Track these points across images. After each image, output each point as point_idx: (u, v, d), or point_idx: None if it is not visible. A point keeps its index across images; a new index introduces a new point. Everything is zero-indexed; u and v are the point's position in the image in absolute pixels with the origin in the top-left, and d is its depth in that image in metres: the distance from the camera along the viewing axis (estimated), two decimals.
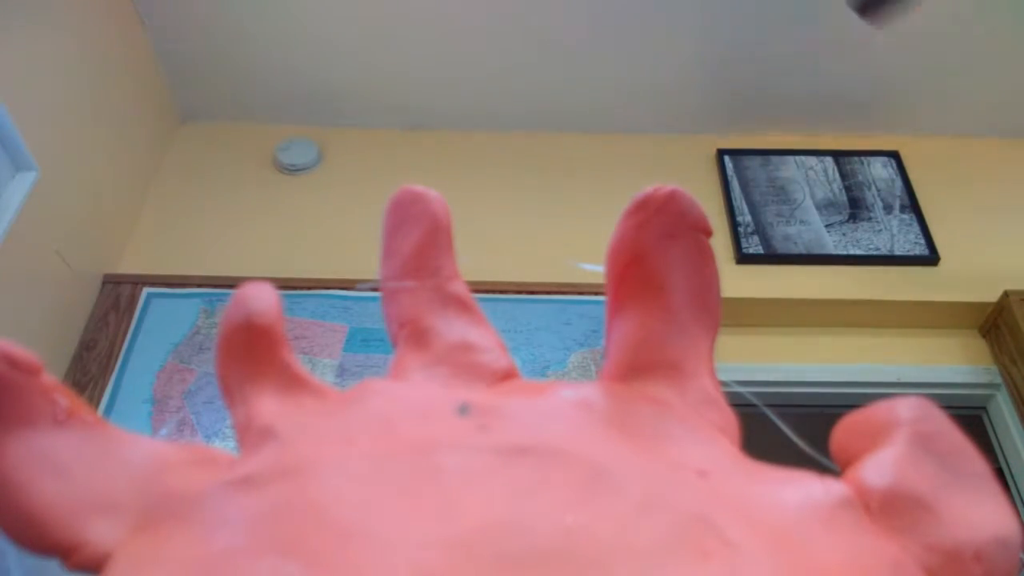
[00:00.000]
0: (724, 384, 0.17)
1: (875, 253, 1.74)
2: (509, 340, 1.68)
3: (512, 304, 1.64)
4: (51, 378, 0.15)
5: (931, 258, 1.73)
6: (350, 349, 1.58)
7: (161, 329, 1.60)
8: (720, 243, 1.76)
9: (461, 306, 0.18)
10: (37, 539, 0.13)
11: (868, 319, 1.71)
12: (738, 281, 1.69)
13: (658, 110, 1.96)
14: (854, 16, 1.71)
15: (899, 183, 1.87)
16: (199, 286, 1.66)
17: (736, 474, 0.14)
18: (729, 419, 0.16)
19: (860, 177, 1.88)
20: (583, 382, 0.16)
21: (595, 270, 0.19)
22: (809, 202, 1.84)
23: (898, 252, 1.74)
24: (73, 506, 0.14)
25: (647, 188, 0.16)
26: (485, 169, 1.91)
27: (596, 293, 1.63)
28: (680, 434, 0.15)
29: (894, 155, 1.91)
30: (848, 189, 1.86)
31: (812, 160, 1.91)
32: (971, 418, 1.70)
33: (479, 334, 0.18)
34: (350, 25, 1.82)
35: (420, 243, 0.19)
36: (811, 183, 1.87)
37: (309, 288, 1.64)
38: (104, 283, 1.66)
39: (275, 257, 1.75)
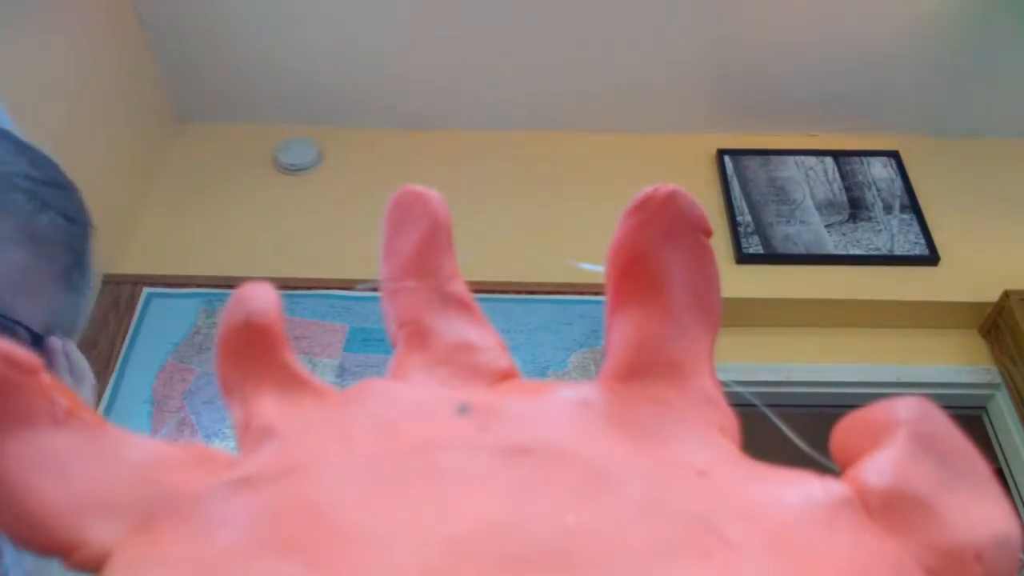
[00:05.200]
0: (724, 384, 0.17)
1: (875, 253, 1.74)
2: (509, 340, 1.67)
3: (512, 304, 1.64)
4: (51, 378, 0.15)
5: (931, 258, 1.73)
6: (350, 349, 1.59)
7: (161, 329, 1.60)
8: (720, 243, 1.76)
9: (461, 306, 0.18)
10: (36, 539, 0.13)
11: (868, 319, 1.71)
12: (738, 281, 1.69)
13: (658, 110, 1.96)
14: (854, 16, 1.71)
15: (899, 183, 1.87)
16: (199, 286, 1.66)
17: (736, 474, 0.14)
18: (729, 419, 0.16)
19: (860, 177, 1.88)
20: (583, 382, 0.16)
21: (595, 270, 0.19)
22: (809, 202, 1.84)
23: (898, 252, 1.74)
24: (72, 506, 0.14)
25: (647, 188, 0.16)
26: (485, 169, 1.91)
27: (596, 293, 1.63)
28: (680, 434, 0.15)
29: (894, 155, 1.91)
30: (848, 189, 1.86)
31: (812, 160, 1.91)
32: (971, 418, 1.70)
33: (479, 334, 0.18)
34: (350, 25, 1.82)
35: (420, 243, 0.19)
36: (811, 183, 1.87)
37: (309, 288, 1.64)
38: (104, 283, 1.66)
39: (275, 257, 1.75)
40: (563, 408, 0.15)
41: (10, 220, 0.47)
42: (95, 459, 0.14)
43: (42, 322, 0.49)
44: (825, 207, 1.83)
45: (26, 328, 0.47)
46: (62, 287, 0.51)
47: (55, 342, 0.50)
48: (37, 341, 0.48)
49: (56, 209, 0.51)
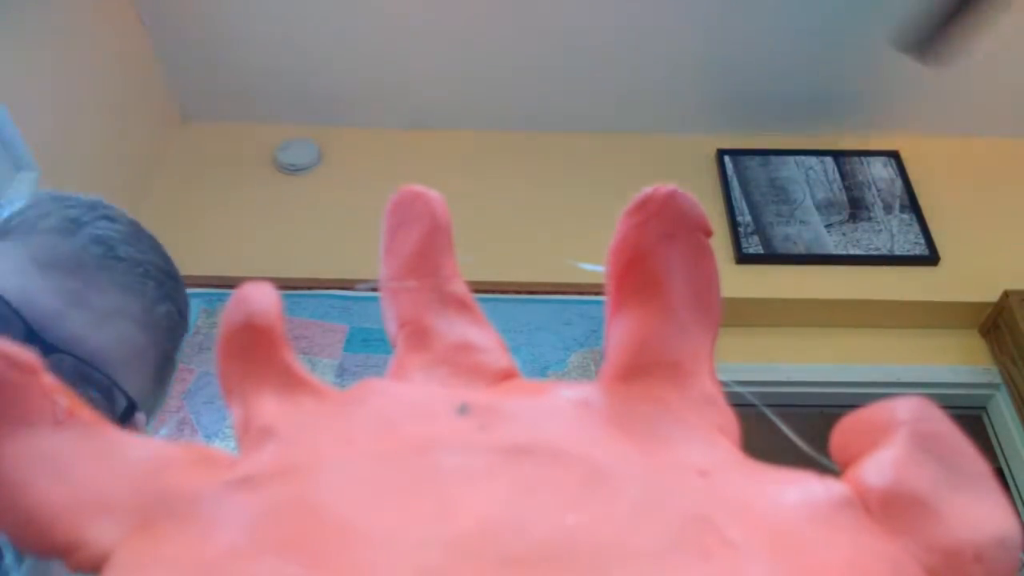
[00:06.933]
0: (724, 384, 0.17)
1: (875, 253, 1.74)
2: (509, 340, 1.67)
3: (512, 304, 1.64)
4: (51, 378, 0.15)
5: (931, 258, 1.73)
6: (350, 349, 1.59)
7: None
8: (720, 243, 1.76)
9: (461, 306, 0.18)
10: (37, 539, 0.13)
11: (868, 319, 1.71)
12: (738, 281, 1.69)
13: (658, 110, 1.96)
14: (853, 16, 1.71)
15: (899, 183, 1.87)
16: (199, 286, 1.66)
17: (736, 474, 0.14)
18: (729, 419, 0.16)
19: (860, 177, 1.88)
20: (583, 382, 0.16)
21: (595, 270, 0.19)
22: (809, 202, 1.84)
23: (898, 252, 1.74)
24: (73, 506, 0.14)
25: (647, 188, 0.16)
26: (485, 169, 1.91)
27: (596, 293, 1.63)
28: (680, 434, 0.15)
29: (894, 155, 1.91)
30: (848, 189, 1.86)
31: (812, 160, 1.91)
32: (971, 418, 1.70)
33: (479, 334, 0.18)
34: (350, 25, 1.82)
35: (420, 243, 0.19)
36: (811, 183, 1.87)
37: (309, 288, 1.64)
38: None
39: (275, 257, 1.75)
40: (563, 408, 0.15)
41: (139, 302, 0.52)
42: (95, 459, 0.14)
43: (135, 398, 0.52)
44: (825, 207, 1.83)
45: (125, 395, 0.51)
46: (155, 373, 0.55)
47: (140, 418, 0.54)
48: (131, 410, 0.52)
49: (174, 302, 0.56)
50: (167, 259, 0.57)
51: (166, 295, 0.54)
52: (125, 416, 0.51)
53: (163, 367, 0.56)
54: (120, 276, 0.51)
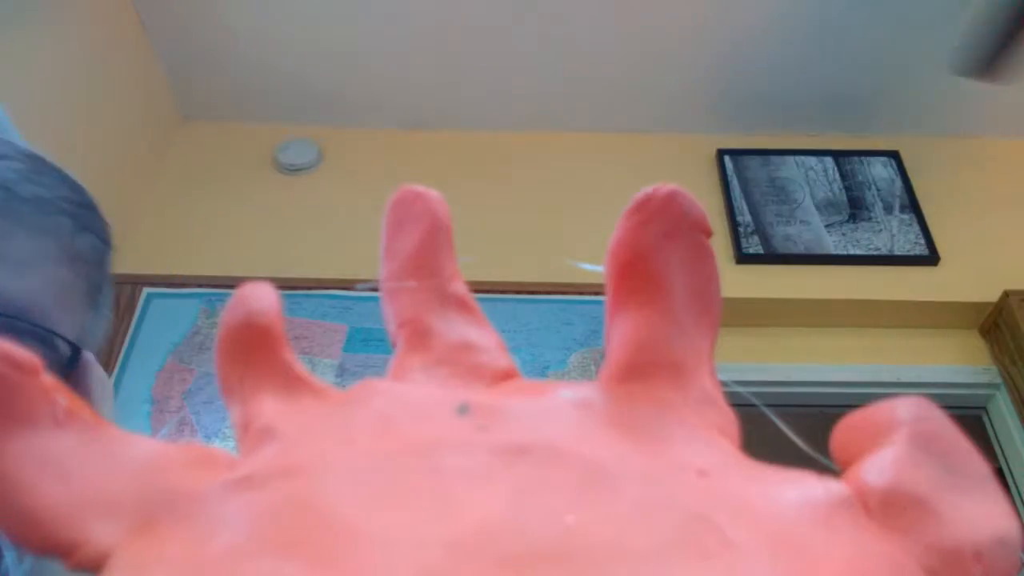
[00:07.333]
0: (724, 384, 0.17)
1: (875, 253, 1.74)
2: (509, 340, 1.67)
3: (512, 304, 1.64)
4: (51, 378, 0.15)
5: (931, 258, 1.73)
6: (350, 349, 1.58)
7: (161, 329, 1.60)
8: (720, 243, 1.76)
9: (461, 306, 0.18)
10: (37, 539, 0.14)
11: (868, 319, 1.71)
12: (738, 281, 1.69)
13: (658, 110, 1.96)
14: (854, 16, 1.71)
15: (899, 183, 1.87)
16: (199, 286, 1.66)
17: (736, 474, 0.14)
18: (729, 419, 0.16)
19: (860, 177, 1.88)
20: (583, 382, 0.16)
21: (595, 270, 0.19)
22: (809, 202, 1.84)
23: (898, 252, 1.74)
24: (73, 506, 0.14)
25: (647, 188, 0.16)
26: (485, 169, 1.91)
27: (596, 293, 1.63)
28: (680, 434, 0.15)
29: (894, 155, 1.91)
30: (848, 189, 1.86)
31: (812, 160, 1.91)
32: (971, 418, 1.70)
33: (479, 334, 0.18)
34: (350, 26, 1.82)
35: (420, 243, 0.19)
36: (811, 183, 1.87)
37: (309, 288, 1.64)
38: None
39: (275, 257, 1.75)
40: (563, 408, 0.15)
41: (54, 241, 0.49)
42: (95, 459, 0.14)
43: (75, 337, 0.50)
44: (825, 207, 1.83)
45: (66, 341, 0.49)
46: (90, 305, 0.53)
47: (88, 356, 0.52)
48: (76, 354, 0.49)
49: (94, 231, 0.53)
50: (77, 188, 0.53)
51: (83, 227, 0.51)
52: (72, 361, 0.49)
53: (96, 297, 0.53)
54: (29, 219, 0.48)
